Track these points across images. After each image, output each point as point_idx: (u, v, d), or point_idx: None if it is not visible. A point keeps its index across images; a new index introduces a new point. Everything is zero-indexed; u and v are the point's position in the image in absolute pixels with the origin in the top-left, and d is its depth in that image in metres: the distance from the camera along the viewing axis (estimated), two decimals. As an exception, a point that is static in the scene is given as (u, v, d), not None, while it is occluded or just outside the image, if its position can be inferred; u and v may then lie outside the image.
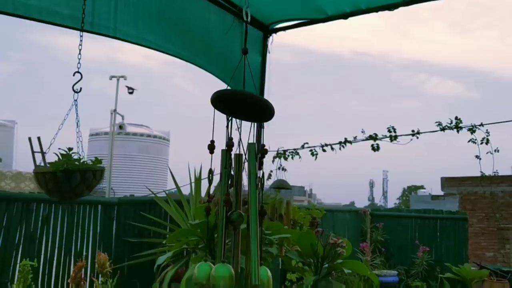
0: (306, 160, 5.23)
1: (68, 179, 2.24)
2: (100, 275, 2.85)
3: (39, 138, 2.17)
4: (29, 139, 2.23)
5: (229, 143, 1.84)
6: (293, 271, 4.77)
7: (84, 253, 3.41)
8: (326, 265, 3.23)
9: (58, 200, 2.74)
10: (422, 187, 36.81)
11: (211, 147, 1.81)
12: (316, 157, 5.06)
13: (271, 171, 5.04)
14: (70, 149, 2.03)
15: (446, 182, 18.04)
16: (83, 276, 2.70)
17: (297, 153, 5.09)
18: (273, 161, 5.06)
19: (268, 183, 5.07)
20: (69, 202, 2.80)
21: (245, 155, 1.79)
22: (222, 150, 1.75)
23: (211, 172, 1.81)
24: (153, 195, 3.82)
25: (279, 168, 5.07)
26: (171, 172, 3.67)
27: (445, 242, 7.00)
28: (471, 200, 16.53)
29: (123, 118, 14.27)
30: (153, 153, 15.23)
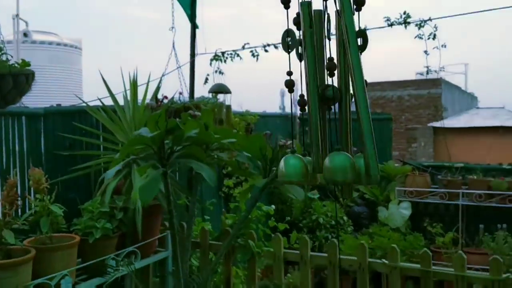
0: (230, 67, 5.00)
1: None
2: (35, 193, 2.57)
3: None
4: None
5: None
6: (242, 175, 4.72)
7: (12, 171, 3.09)
8: (276, 168, 3.16)
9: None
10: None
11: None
12: (257, 59, 4.86)
13: (208, 74, 4.80)
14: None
15: None
16: (16, 194, 2.42)
17: (237, 55, 4.85)
18: (210, 63, 4.80)
19: (206, 87, 4.83)
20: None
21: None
22: (302, 2, 1.33)
23: (291, 35, 1.37)
24: (81, 105, 3.49)
25: (216, 72, 4.83)
26: (103, 78, 3.32)
27: (371, 142, 7.26)
28: (380, 104, 17.44)
29: (27, 25, 12.93)
30: (65, 63, 14.12)
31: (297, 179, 1.37)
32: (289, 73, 1.41)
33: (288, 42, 1.38)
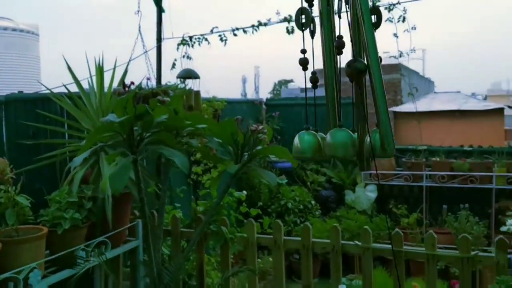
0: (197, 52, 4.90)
1: None
2: (-1, 183, 2.47)
3: None
4: None
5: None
6: (212, 162, 4.67)
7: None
8: (247, 153, 3.13)
9: None
10: (291, 81, 38.22)
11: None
12: (225, 43, 4.76)
13: (175, 60, 4.68)
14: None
15: (320, 73, 18.99)
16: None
17: (206, 39, 4.74)
18: (177, 48, 4.68)
19: (173, 73, 4.73)
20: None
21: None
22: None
23: (305, 13, 1.36)
24: (44, 92, 3.35)
25: (183, 57, 4.72)
26: (66, 62, 3.19)
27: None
28: (342, 89, 17.65)
29: (-22, 10, 12.36)
30: (22, 50, 13.56)
31: (312, 154, 1.41)
32: (303, 51, 1.44)
33: (301, 20, 1.38)
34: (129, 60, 3.67)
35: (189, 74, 3.85)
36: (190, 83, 3.91)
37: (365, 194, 6.59)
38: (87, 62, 3.25)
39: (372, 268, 3.07)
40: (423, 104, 14.98)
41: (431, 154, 6.74)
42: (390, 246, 3.02)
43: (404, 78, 17.13)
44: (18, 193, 2.55)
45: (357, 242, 3.11)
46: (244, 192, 3.88)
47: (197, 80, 3.91)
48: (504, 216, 5.78)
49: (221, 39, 4.72)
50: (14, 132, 3.19)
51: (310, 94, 1.77)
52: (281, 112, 7.67)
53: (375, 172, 6.61)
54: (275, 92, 36.28)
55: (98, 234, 3.04)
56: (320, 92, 1.68)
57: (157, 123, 2.61)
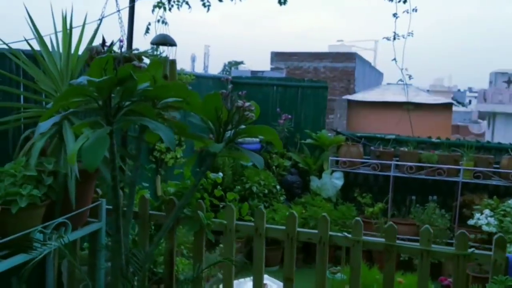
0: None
1: None
2: None
3: None
4: None
5: None
6: (191, 139, 4.29)
7: None
8: (231, 132, 2.82)
9: None
10: (242, 62, 37.86)
11: None
12: (208, 9, 4.33)
13: (149, 23, 4.20)
14: None
15: (276, 56, 18.77)
16: None
17: (187, 3, 4.29)
18: (153, 11, 4.20)
19: (146, 39, 4.30)
20: None
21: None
22: None
23: None
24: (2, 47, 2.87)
25: (159, 21, 4.24)
26: (28, 12, 2.72)
27: (305, 110, 7.10)
28: (296, 74, 17.54)
29: None
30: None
31: None
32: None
33: None
34: (101, 18, 3.22)
35: (164, 40, 3.46)
36: (166, 51, 3.52)
37: (331, 181, 6.42)
38: (52, 13, 2.80)
39: (361, 261, 2.86)
40: (376, 95, 15.10)
41: (399, 144, 6.64)
42: (383, 239, 2.81)
43: (356, 67, 17.25)
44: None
45: (346, 233, 2.88)
46: (221, 174, 3.56)
47: (173, 48, 3.52)
48: (468, 209, 5.77)
49: (204, 5, 4.30)
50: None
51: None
52: (248, 91, 7.32)
53: (343, 159, 6.45)
54: (224, 72, 35.81)
55: (57, 214, 2.65)
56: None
57: (140, 91, 2.25)
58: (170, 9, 4.24)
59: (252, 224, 3.00)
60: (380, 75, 22.11)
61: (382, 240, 2.81)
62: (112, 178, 2.36)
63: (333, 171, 6.51)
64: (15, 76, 2.98)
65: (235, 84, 7.54)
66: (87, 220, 2.98)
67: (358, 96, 14.69)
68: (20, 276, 2.44)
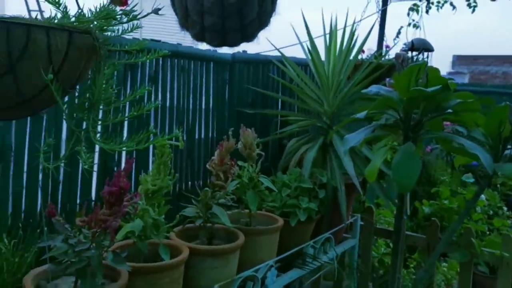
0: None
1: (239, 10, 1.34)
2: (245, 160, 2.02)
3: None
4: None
5: None
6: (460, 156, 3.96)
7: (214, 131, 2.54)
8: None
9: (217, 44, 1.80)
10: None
11: None
12: (473, 10, 3.86)
13: (401, 27, 3.93)
14: None
15: (458, 60, 16.98)
16: (232, 160, 1.85)
17: (451, 3, 3.90)
18: (408, 14, 3.90)
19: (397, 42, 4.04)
20: (231, 44, 1.80)
21: None
22: None
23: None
24: (265, 53, 2.87)
25: (409, 25, 3.92)
26: (305, 21, 2.66)
27: None
28: (482, 79, 15.64)
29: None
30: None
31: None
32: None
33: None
34: (360, 19, 3.03)
35: (423, 45, 3.15)
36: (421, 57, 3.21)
37: None
38: (323, 20, 2.69)
39: None
40: None
41: None
42: None
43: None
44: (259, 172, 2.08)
45: None
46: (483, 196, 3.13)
47: (430, 53, 3.20)
48: None
49: (469, 5, 3.83)
50: (237, 97, 2.73)
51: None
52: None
53: None
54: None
55: (324, 228, 2.52)
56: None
57: (446, 106, 1.99)
58: (427, 12, 3.88)
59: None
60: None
61: None
62: (398, 198, 2.13)
63: None
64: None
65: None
66: (343, 236, 2.83)
67: None
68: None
